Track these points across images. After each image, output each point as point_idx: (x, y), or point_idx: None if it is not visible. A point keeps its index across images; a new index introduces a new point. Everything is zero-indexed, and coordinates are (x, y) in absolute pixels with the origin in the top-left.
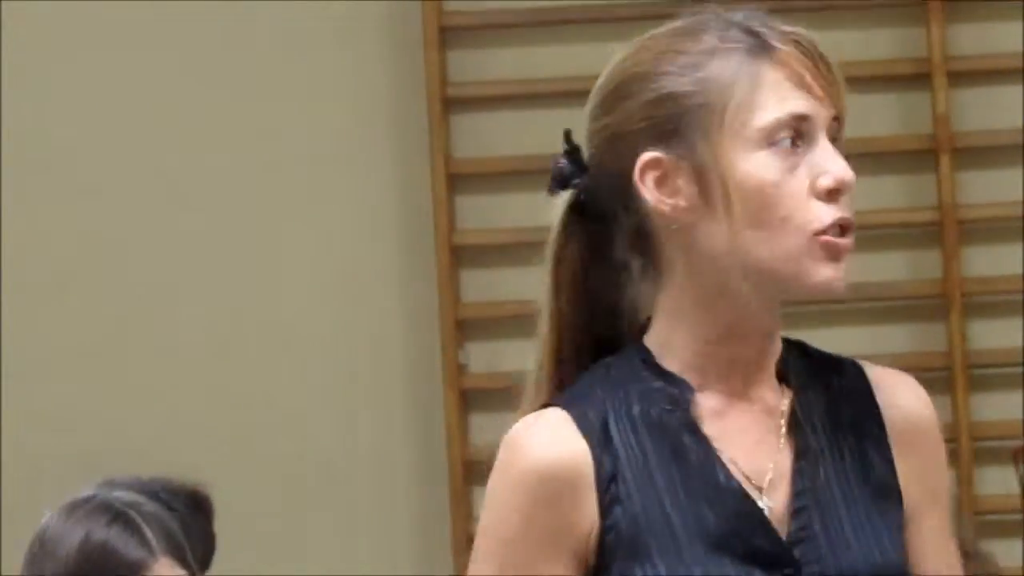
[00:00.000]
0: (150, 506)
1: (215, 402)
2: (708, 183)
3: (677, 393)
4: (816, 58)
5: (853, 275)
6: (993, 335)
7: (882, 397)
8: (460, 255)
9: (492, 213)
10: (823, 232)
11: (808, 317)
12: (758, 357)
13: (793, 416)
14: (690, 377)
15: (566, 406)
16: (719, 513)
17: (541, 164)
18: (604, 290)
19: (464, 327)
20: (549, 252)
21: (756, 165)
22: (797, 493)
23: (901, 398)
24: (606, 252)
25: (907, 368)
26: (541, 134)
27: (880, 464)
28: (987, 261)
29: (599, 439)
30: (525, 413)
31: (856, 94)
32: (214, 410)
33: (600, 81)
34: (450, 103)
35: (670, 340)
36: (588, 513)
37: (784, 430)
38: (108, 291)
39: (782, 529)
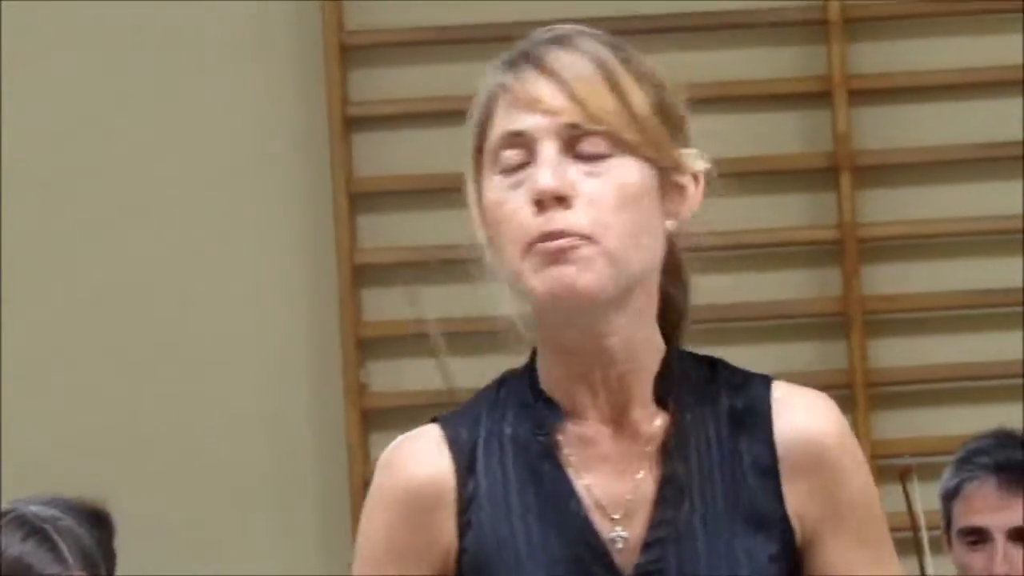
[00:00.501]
0: (66, 520)
1: (117, 417)
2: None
3: (545, 416)
4: (536, 72)
5: (754, 293)
6: (894, 353)
7: (779, 419)
8: (361, 273)
9: (393, 231)
10: (536, 242)
11: (708, 334)
12: (620, 382)
13: (666, 443)
14: (563, 400)
15: (444, 424)
16: (565, 542)
17: (442, 183)
18: None
19: (365, 346)
20: None
21: (490, 189)
22: (655, 524)
23: (798, 419)
24: None
25: (807, 386)
26: (442, 152)
27: (761, 491)
28: (888, 279)
29: (466, 460)
30: None
31: (757, 112)
32: (115, 424)
33: None
34: (351, 122)
35: (543, 363)
36: (447, 533)
37: (652, 456)
38: (26, 305)
39: (632, 560)
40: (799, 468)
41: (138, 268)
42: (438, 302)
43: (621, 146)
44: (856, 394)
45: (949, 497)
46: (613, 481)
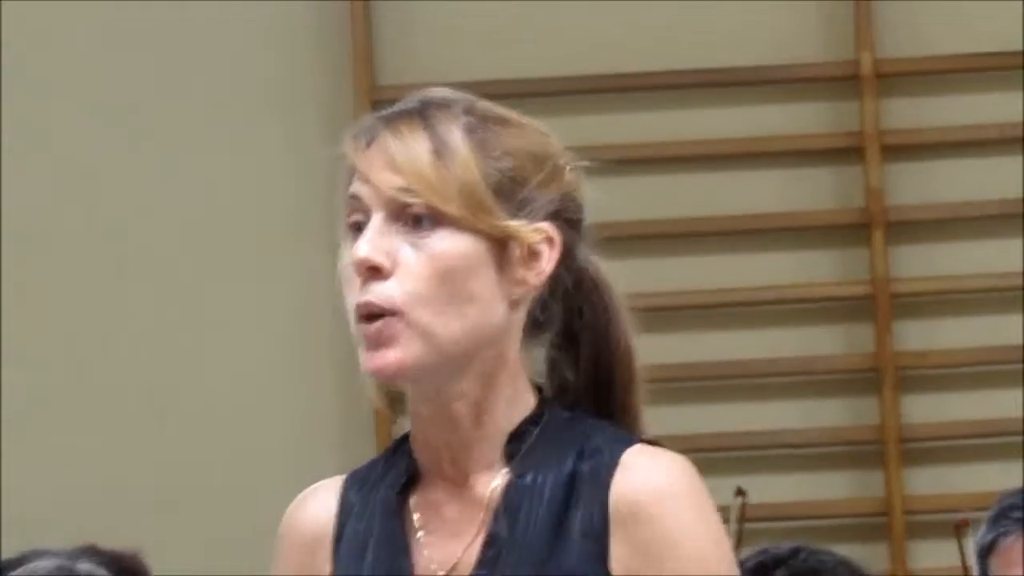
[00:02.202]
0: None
1: (143, 467)
2: None
3: (401, 476)
4: (364, 143)
5: (786, 349)
6: (926, 409)
7: (618, 481)
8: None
9: None
10: (358, 318)
11: (739, 390)
12: (460, 446)
13: (498, 505)
14: (422, 462)
15: (348, 476)
16: None
17: None
18: None
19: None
20: None
21: (342, 253)
22: None
23: (635, 478)
24: None
25: (840, 442)
26: None
27: (584, 556)
28: (920, 335)
29: (346, 512)
30: None
31: (790, 168)
32: (142, 475)
33: None
34: None
35: (411, 421)
36: (325, 571)
37: (483, 519)
38: (41, 356)
39: None
40: (626, 525)
41: (152, 324)
42: None
43: (445, 218)
44: (888, 450)
45: (984, 553)
46: (448, 542)
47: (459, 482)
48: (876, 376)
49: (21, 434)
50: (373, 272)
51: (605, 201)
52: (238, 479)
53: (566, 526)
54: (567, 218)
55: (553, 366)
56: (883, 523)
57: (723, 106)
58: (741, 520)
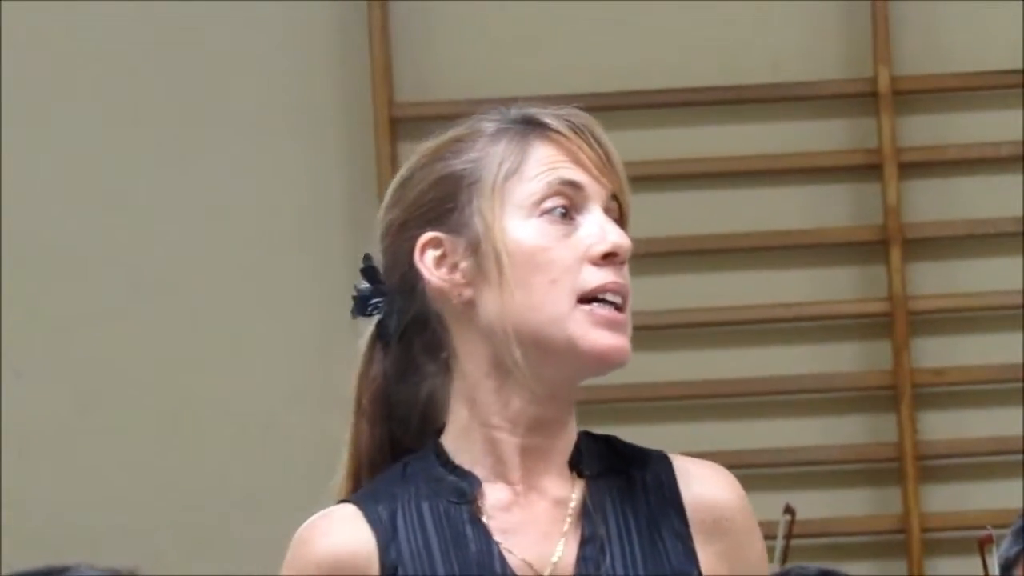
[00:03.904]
0: None
1: (157, 483)
2: (482, 254)
3: (464, 487)
4: (589, 138)
5: (804, 366)
6: (943, 426)
7: (685, 487)
8: None
9: None
10: (591, 296)
11: (757, 407)
12: (548, 449)
13: (583, 506)
14: (479, 470)
15: (356, 501)
16: None
17: None
18: (406, 403)
19: None
20: (353, 378)
21: (527, 232)
22: None
23: (704, 487)
24: (407, 364)
25: (857, 459)
26: None
27: (678, 553)
28: (937, 352)
29: (386, 531)
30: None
31: (808, 185)
32: (156, 491)
33: (391, 185)
34: None
35: (466, 432)
36: None
37: (572, 520)
38: (60, 374)
39: None
40: (709, 533)
41: (168, 339)
42: None
43: (624, 224)
44: (905, 467)
45: (1009, 566)
46: (538, 544)
47: (532, 487)
48: (894, 393)
49: (33, 450)
50: (615, 260)
51: None
52: (253, 495)
53: (656, 528)
54: None
55: None
56: (901, 540)
57: (741, 123)
58: (788, 537)
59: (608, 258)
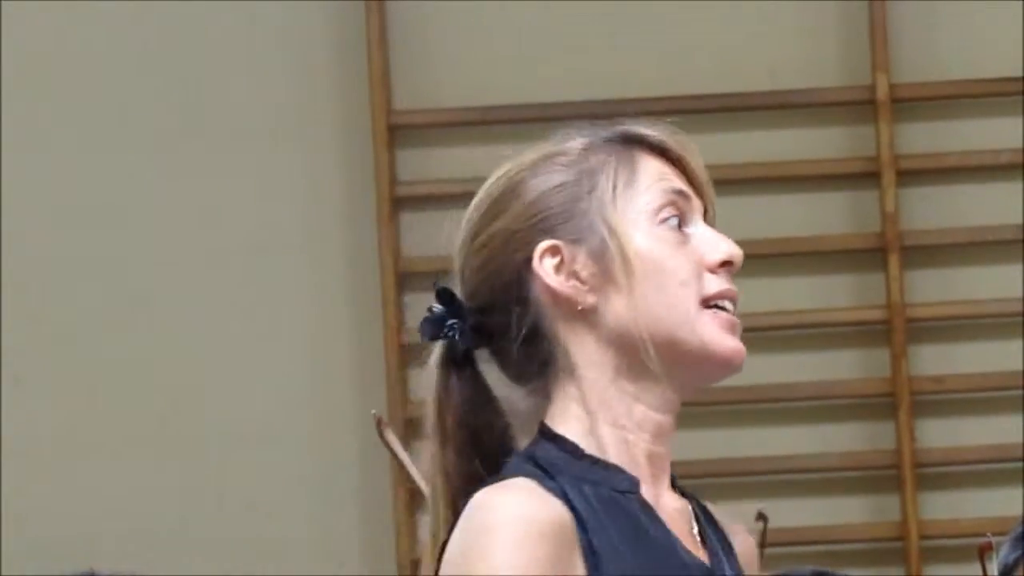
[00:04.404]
0: None
1: (159, 494)
2: (607, 260)
3: (624, 479)
4: (683, 150)
5: (802, 374)
6: (941, 434)
7: (728, 531)
8: (409, 354)
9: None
10: (714, 302)
11: (756, 414)
12: (664, 457)
13: (697, 519)
14: (635, 472)
15: (531, 477)
16: None
17: None
18: (487, 427)
19: (413, 426)
20: (431, 404)
21: (652, 238)
22: None
23: (742, 538)
24: (485, 386)
25: (855, 467)
26: None
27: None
28: (935, 360)
29: (573, 509)
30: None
31: (805, 192)
32: (158, 502)
33: (474, 205)
34: (399, 202)
35: (593, 434)
36: (579, 573)
37: (695, 529)
38: (60, 381)
39: None
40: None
41: (175, 350)
42: None
43: None
44: (903, 474)
45: (1008, 572)
46: (691, 546)
47: (658, 494)
48: (892, 401)
49: (33, 457)
50: (733, 269)
51: None
52: (253, 502)
53: (730, 558)
54: None
55: None
56: (899, 547)
57: (740, 131)
58: (762, 545)
59: (724, 266)
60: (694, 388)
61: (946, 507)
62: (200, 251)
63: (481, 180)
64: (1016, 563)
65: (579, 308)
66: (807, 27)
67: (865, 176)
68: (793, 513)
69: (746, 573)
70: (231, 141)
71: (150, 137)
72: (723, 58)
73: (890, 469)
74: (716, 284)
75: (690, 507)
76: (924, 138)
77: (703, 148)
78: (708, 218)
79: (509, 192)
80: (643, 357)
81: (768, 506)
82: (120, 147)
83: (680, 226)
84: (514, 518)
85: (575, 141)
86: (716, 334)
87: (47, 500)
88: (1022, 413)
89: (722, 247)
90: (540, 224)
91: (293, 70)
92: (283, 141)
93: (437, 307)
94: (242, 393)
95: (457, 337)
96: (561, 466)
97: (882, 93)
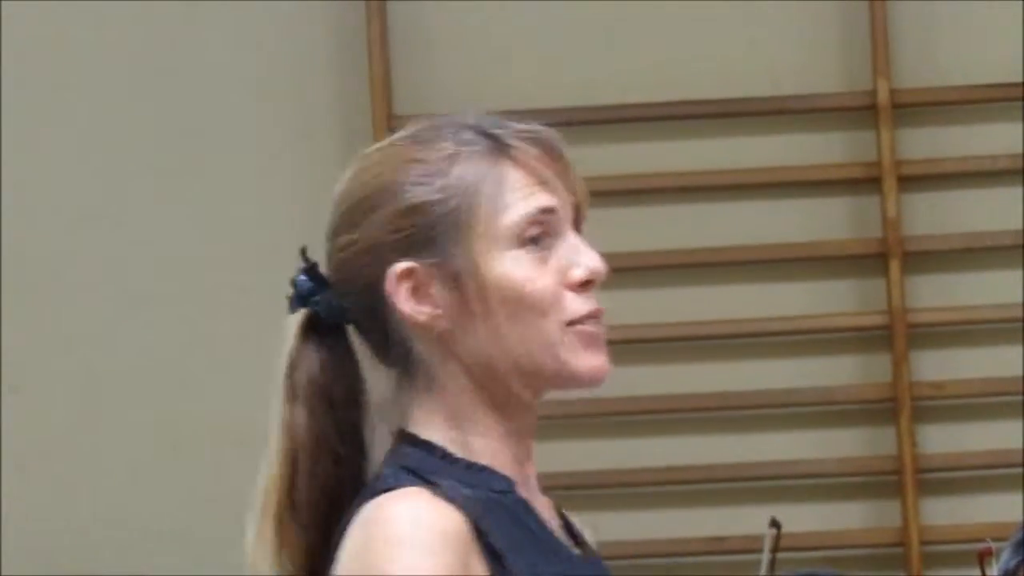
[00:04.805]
0: None
1: (156, 499)
2: (464, 287)
3: (501, 481)
4: (552, 151)
5: (803, 379)
6: (942, 439)
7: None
8: None
9: None
10: (577, 322)
11: (757, 420)
12: (529, 458)
13: (561, 515)
14: (509, 473)
15: (423, 484)
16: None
17: None
18: (345, 406)
19: None
20: (282, 364)
21: (509, 264)
22: None
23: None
24: (347, 368)
25: (856, 472)
26: None
27: None
28: (936, 365)
29: (469, 512)
30: (258, 527)
31: (806, 198)
32: (155, 507)
33: (340, 196)
34: None
35: (463, 441)
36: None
37: (561, 525)
38: (58, 389)
39: None
40: None
41: (174, 355)
42: None
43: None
44: (905, 480)
45: None
46: (559, 535)
47: (530, 494)
48: (893, 406)
49: (31, 465)
50: (595, 285)
51: (623, 231)
52: (253, 507)
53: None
54: None
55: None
56: (900, 553)
57: (740, 136)
58: (775, 551)
59: (586, 284)
60: (544, 396)
61: (947, 512)
62: (200, 256)
63: None
64: (1017, 568)
65: (432, 334)
66: (808, 33)
67: (866, 181)
68: (794, 518)
69: None
70: (231, 145)
71: (150, 145)
72: (724, 64)
73: (891, 474)
74: (578, 306)
75: (552, 505)
76: (925, 143)
77: (705, 153)
78: (580, 220)
79: (368, 199)
80: (508, 384)
81: (768, 511)
82: (120, 149)
83: (545, 242)
84: (418, 527)
85: (442, 146)
86: (578, 356)
87: (46, 507)
88: (1023, 419)
89: (584, 264)
90: (399, 242)
91: (294, 76)
92: (284, 145)
93: (302, 278)
94: (242, 395)
95: (322, 314)
96: (439, 472)
97: (883, 98)
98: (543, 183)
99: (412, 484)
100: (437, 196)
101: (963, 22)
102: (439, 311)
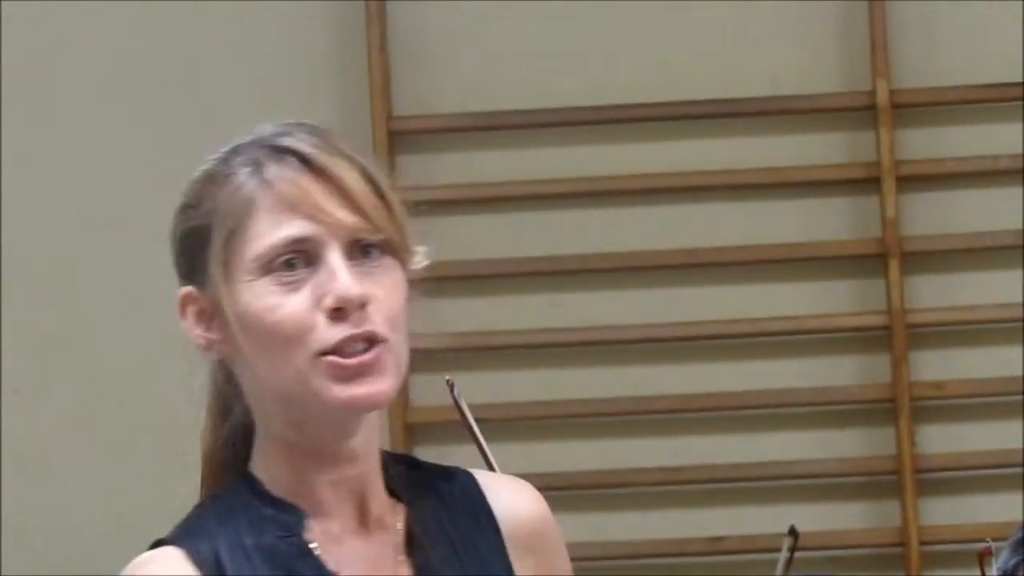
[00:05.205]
0: None
1: (156, 504)
2: (223, 315)
3: (289, 520)
4: (320, 172)
5: (802, 379)
6: (941, 439)
7: (495, 503)
8: (412, 359)
9: (439, 317)
10: (329, 352)
11: (757, 420)
12: (358, 478)
13: (410, 533)
14: (303, 502)
15: (178, 543)
16: None
17: (490, 268)
18: (233, 397)
19: (414, 431)
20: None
21: (255, 294)
22: None
23: (515, 502)
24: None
25: (856, 472)
26: (488, 238)
27: (500, 569)
28: (936, 365)
29: (216, 567)
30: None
31: (806, 198)
32: (155, 513)
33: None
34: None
35: (271, 469)
36: None
37: (401, 549)
38: (59, 391)
39: None
40: (524, 548)
41: (173, 357)
42: (481, 387)
43: (390, 249)
44: (904, 480)
45: None
46: (374, 565)
47: (357, 517)
48: (892, 407)
49: (32, 468)
50: (358, 306)
51: (623, 231)
52: None
53: (480, 545)
54: None
55: None
56: (899, 553)
57: (740, 136)
58: (790, 560)
59: (340, 312)
60: (340, 425)
61: (946, 513)
62: None
63: (482, 185)
64: (1016, 568)
65: (219, 359)
66: (808, 33)
67: (865, 182)
68: (793, 519)
69: (531, 536)
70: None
71: (150, 148)
72: (724, 64)
73: (890, 475)
74: (332, 335)
75: (403, 522)
76: (924, 144)
77: (705, 153)
78: (363, 239)
79: (174, 217)
80: (280, 410)
81: (768, 511)
82: (120, 149)
83: (300, 268)
84: None
85: (215, 169)
86: (328, 388)
87: (46, 507)
88: (1022, 419)
89: (332, 291)
90: (180, 267)
91: (294, 78)
92: None
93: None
94: None
95: None
96: (236, 510)
97: (882, 99)
98: (298, 210)
99: (173, 542)
100: (202, 222)
101: (963, 22)
102: (215, 336)
